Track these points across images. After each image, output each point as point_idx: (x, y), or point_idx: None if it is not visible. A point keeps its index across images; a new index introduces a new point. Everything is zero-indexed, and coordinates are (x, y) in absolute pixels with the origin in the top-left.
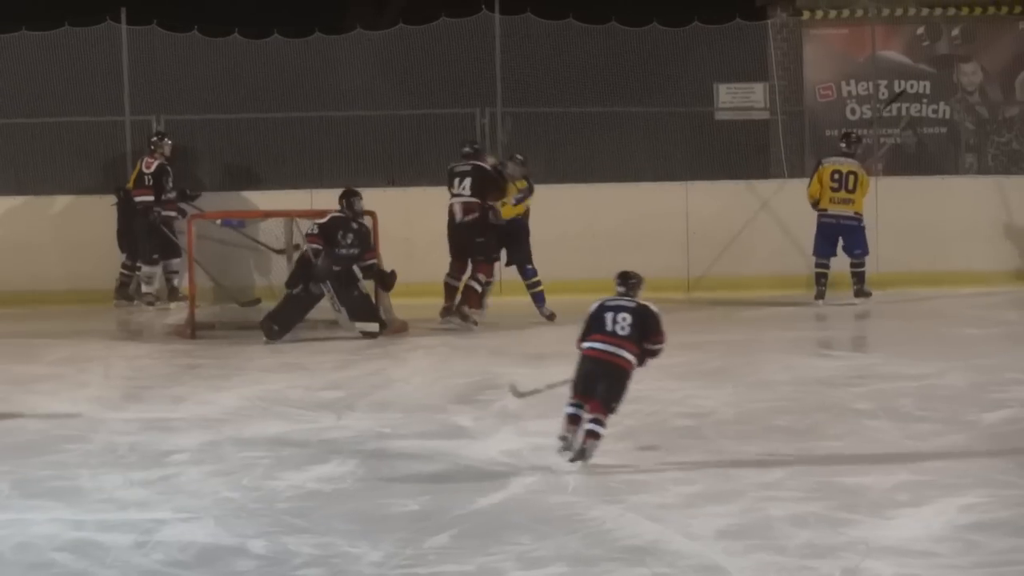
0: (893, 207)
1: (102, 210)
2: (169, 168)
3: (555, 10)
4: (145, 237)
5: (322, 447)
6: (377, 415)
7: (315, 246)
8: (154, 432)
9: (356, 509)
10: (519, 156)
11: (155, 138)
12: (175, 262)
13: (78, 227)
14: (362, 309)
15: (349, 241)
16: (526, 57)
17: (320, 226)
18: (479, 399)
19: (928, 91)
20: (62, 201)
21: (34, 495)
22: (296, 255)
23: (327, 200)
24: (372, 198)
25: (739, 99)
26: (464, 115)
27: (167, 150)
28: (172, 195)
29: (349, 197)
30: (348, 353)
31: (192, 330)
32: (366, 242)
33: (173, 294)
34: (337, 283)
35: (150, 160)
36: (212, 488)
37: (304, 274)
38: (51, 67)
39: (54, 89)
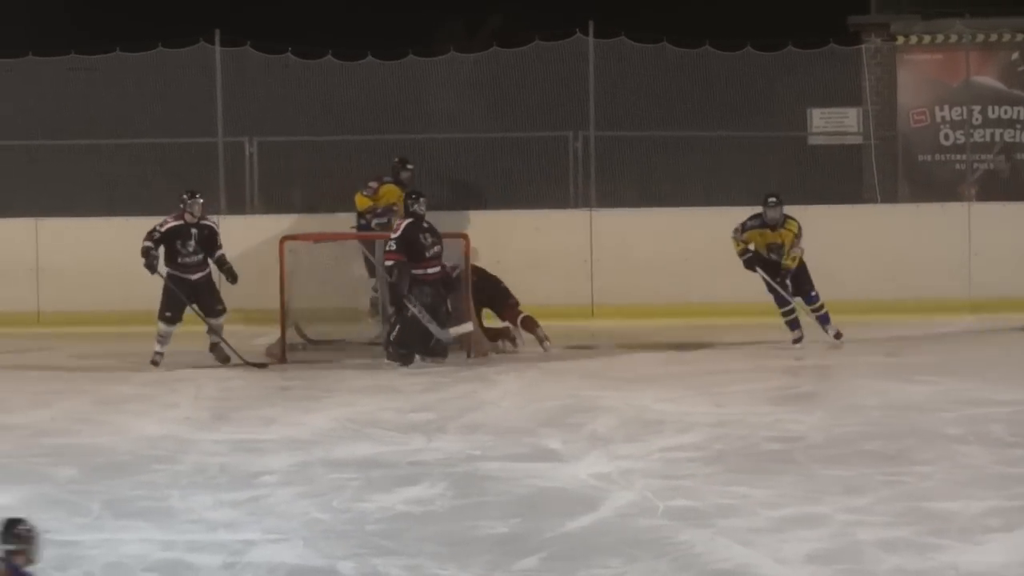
0: (986, 232)
1: None
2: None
3: (649, 34)
4: None
5: (412, 469)
6: (467, 437)
7: (389, 262)
8: (244, 453)
9: (445, 531)
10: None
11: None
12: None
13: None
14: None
15: (429, 241)
16: (619, 81)
17: (397, 239)
18: (569, 422)
19: (1022, 116)
20: (154, 222)
21: (124, 515)
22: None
23: None
24: (463, 221)
25: (832, 124)
26: (556, 139)
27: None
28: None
29: (417, 198)
30: (438, 375)
31: (283, 352)
32: (439, 237)
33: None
34: (429, 292)
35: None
36: (301, 509)
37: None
38: (144, 89)
39: (147, 111)
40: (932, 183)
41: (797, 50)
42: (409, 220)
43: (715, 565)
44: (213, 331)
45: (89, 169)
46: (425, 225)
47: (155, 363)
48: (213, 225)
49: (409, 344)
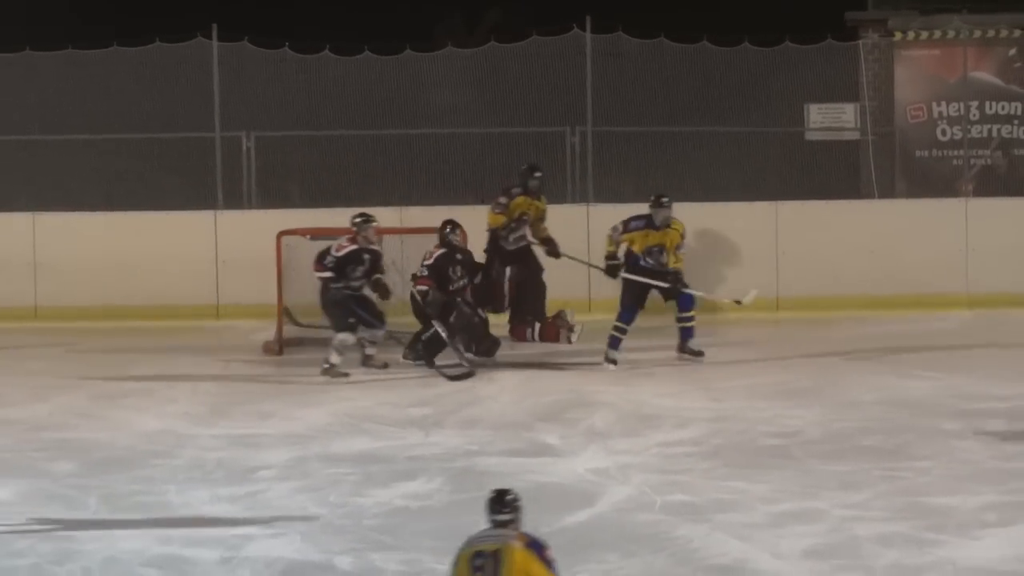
0: (984, 228)
1: (191, 226)
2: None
3: (647, 29)
4: None
5: (409, 464)
6: (465, 432)
7: (422, 288)
8: (241, 448)
9: (443, 526)
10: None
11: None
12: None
13: (168, 243)
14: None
15: (458, 274)
16: (617, 76)
17: (429, 267)
18: (566, 417)
19: (1019, 112)
20: (152, 217)
21: (122, 510)
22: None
23: (416, 217)
24: (462, 215)
25: (830, 119)
26: (554, 134)
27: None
28: None
29: (454, 229)
30: (436, 371)
31: (280, 347)
32: (473, 268)
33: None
34: (466, 312)
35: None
36: (299, 504)
37: (424, 314)
38: (142, 84)
39: (145, 105)
40: (929, 179)
41: (794, 46)
42: (443, 250)
43: (712, 560)
44: (372, 342)
45: (87, 164)
46: (458, 257)
47: (336, 373)
48: (379, 250)
49: (428, 357)
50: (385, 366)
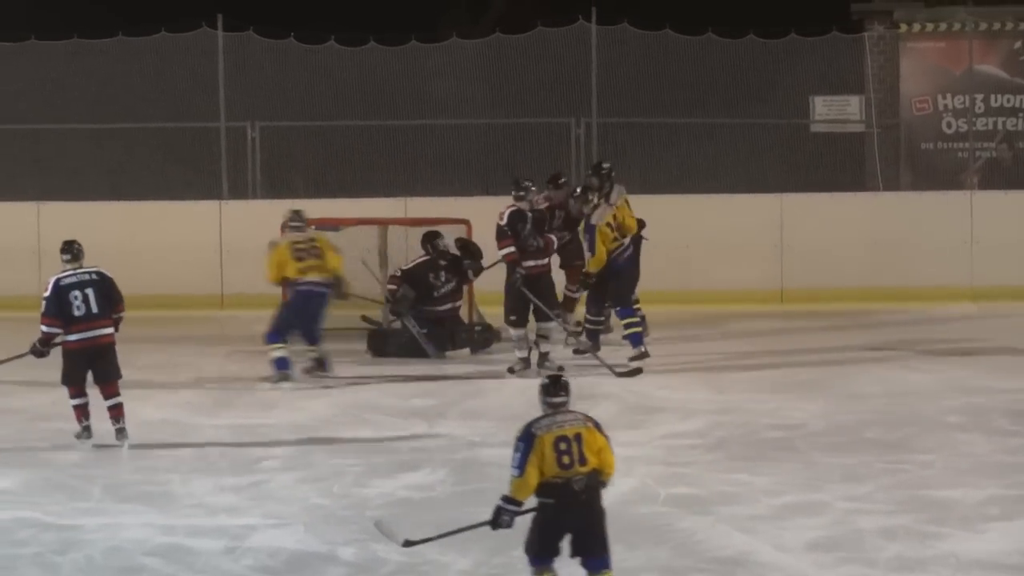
0: (988, 221)
1: (196, 216)
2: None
3: (652, 21)
4: None
5: (413, 455)
6: (468, 424)
7: (391, 286)
8: (245, 438)
9: (445, 517)
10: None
11: None
12: None
13: (172, 232)
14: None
15: (442, 280)
16: (622, 67)
17: (404, 271)
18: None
19: None
20: (156, 206)
21: (125, 499)
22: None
23: (421, 208)
24: (466, 206)
25: (835, 111)
26: (558, 125)
27: None
28: None
29: (432, 240)
30: (439, 362)
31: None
32: (462, 273)
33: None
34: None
35: None
36: (302, 495)
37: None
38: (147, 73)
39: (150, 95)
40: (934, 171)
41: (800, 37)
42: (424, 257)
43: (716, 552)
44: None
45: (92, 153)
46: (442, 263)
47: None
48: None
49: (403, 355)
50: (561, 369)
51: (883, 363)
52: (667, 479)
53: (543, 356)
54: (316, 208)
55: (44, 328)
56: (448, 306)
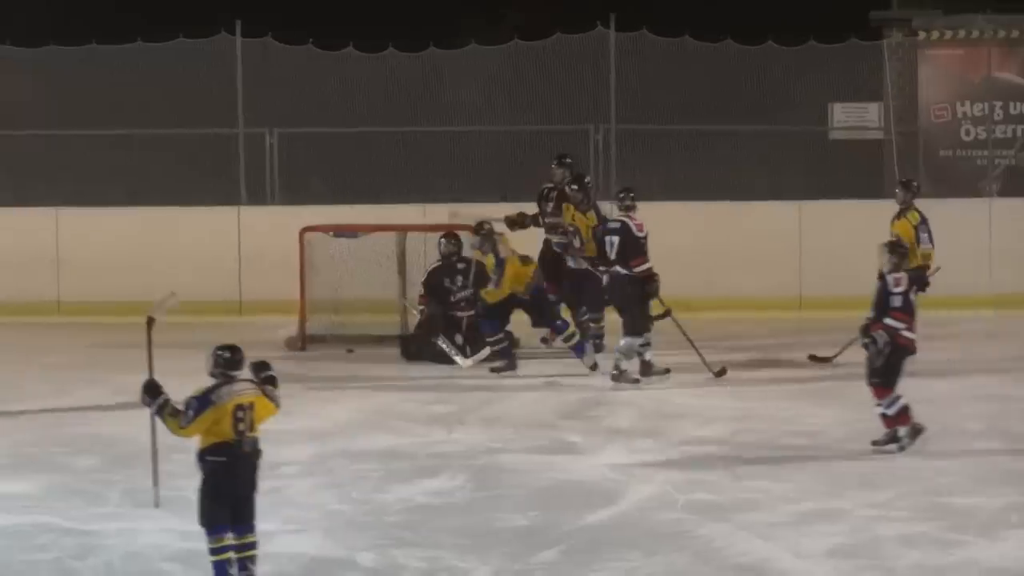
0: (1008, 228)
1: (214, 222)
2: None
3: (670, 28)
4: None
5: (432, 461)
6: (487, 430)
7: (421, 307)
8: (263, 444)
9: (465, 523)
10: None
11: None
12: None
13: (190, 238)
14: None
15: (459, 284)
16: (640, 74)
17: (424, 285)
18: (589, 415)
19: None
20: (174, 212)
21: (144, 505)
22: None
23: (439, 215)
24: (484, 213)
25: (853, 119)
26: (577, 132)
27: None
28: None
29: (448, 239)
30: (459, 368)
31: (303, 343)
32: (481, 275)
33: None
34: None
35: None
36: (321, 500)
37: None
38: (165, 79)
39: (167, 101)
40: (953, 179)
41: (818, 45)
42: (437, 263)
43: (735, 559)
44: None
45: (110, 159)
46: (459, 266)
47: (628, 379)
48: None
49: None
50: (667, 371)
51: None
52: (686, 485)
53: (647, 364)
54: (334, 214)
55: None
56: (465, 310)
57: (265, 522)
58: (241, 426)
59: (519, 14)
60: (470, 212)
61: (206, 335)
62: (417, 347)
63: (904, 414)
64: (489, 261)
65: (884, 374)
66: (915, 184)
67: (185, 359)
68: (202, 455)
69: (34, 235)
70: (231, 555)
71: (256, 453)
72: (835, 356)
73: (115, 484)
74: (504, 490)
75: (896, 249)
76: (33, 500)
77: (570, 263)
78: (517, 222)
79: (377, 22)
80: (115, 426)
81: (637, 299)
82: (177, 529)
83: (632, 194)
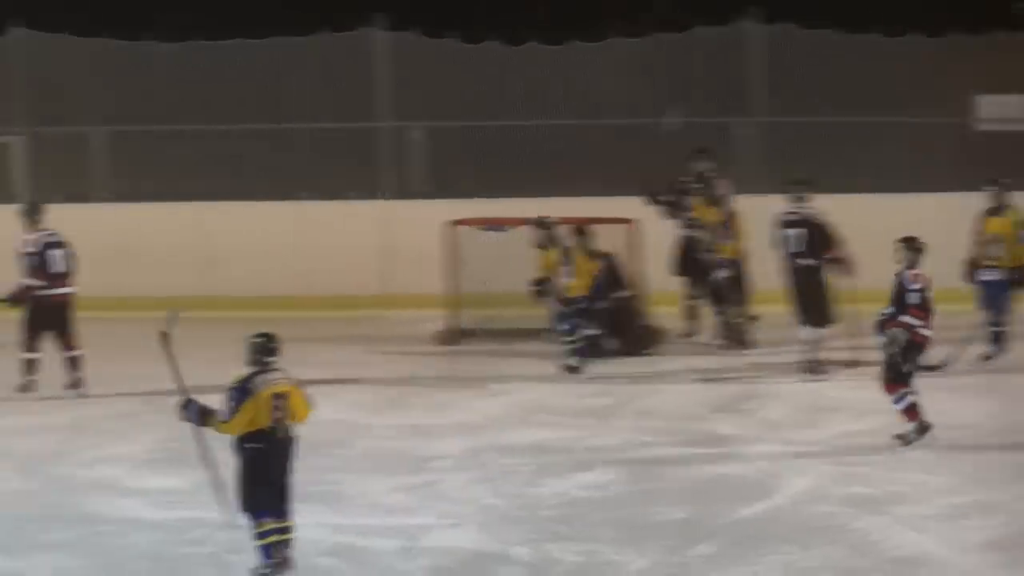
0: None
1: (359, 216)
2: None
3: (816, 20)
4: None
5: (585, 454)
6: (640, 423)
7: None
8: (417, 438)
9: (619, 517)
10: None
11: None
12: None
13: (337, 232)
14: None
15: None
16: (785, 66)
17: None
18: (742, 408)
19: None
20: (321, 206)
21: (298, 499)
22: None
23: (582, 208)
24: (626, 207)
25: (1001, 110)
26: (721, 124)
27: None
28: None
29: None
30: (610, 362)
31: (456, 336)
32: (610, 272)
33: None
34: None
35: None
36: (475, 494)
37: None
38: (305, 73)
39: (314, 95)
40: None
41: (964, 36)
42: (602, 263)
43: (891, 552)
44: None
45: (257, 153)
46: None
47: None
48: None
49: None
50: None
51: None
52: (841, 479)
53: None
54: (478, 208)
55: None
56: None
57: (420, 516)
58: (277, 413)
59: (661, 5)
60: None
61: (353, 329)
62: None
63: (913, 410)
64: (552, 256)
65: (898, 370)
66: (1007, 181)
67: (334, 352)
68: (239, 442)
69: (182, 230)
70: (275, 538)
71: (291, 440)
72: (950, 361)
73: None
74: (658, 484)
75: (912, 245)
76: (188, 495)
77: (704, 256)
78: (662, 200)
79: (519, 15)
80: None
81: (822, 290)
82: (331, 523)
83: (807, 185)
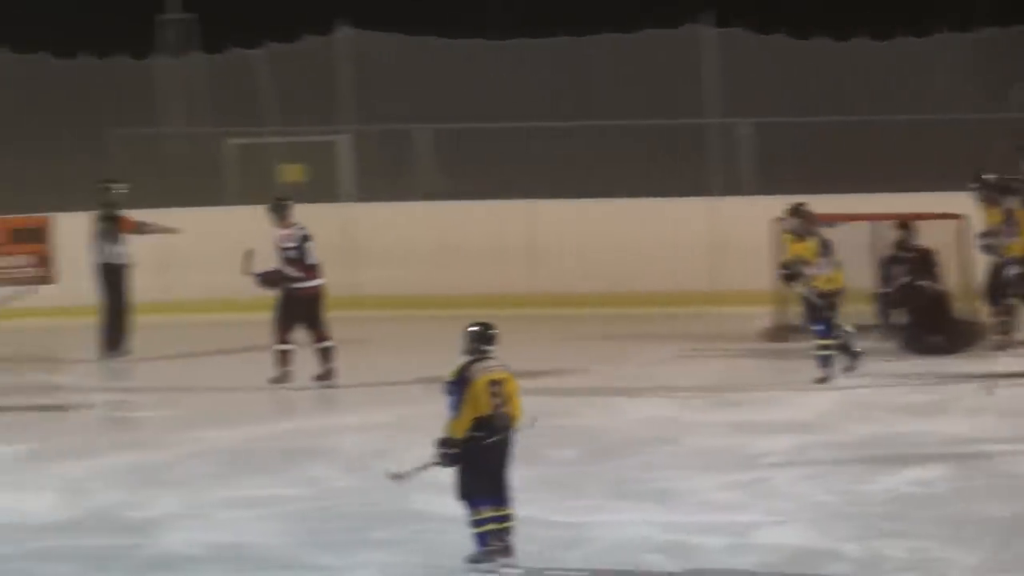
0: None
1: (687, 212)
2: None
3: None
4: None
5: (913, 450)
6: (970, 419)
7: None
8: (745, 435)
9: (949, 513)
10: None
11: None
12: None
13: (663, 229)
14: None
15: (898, 272)
16: None
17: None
18: None
19: None
20: (647, 203)
21: (626, 497)
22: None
23: (909, 204)
24: (954, 202)
25: None
26: None
27: None
28: None
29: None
30: (940, 359)
31: (784, 333)
32: (924, 264)
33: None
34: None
35: None
36: (804, 491)
37: None
38: (631, 70)
39: (633, 92)
40: None
41: None
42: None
43: None
44: None
45: (582, 151)
46: (904, 255)
47: None
48: None
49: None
50: None
51: None
52: None
53: None
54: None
55: None
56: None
57: (749, 513)
58: (495, 400)
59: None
60: (935, 202)
61: (680, 326)
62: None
63: None
64: (810, 247)
65: None
66: None
67: (660, 350)
68: None
69: (508, 227)
70: (492, 527)
71: (509, 427)
72: None
73: (596, 476)
74: (987, 480)
75: None
76: (515, 492)
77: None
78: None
79: (847, 11)
80: (594, 418)
81: None
82: (661, 521)
83: None
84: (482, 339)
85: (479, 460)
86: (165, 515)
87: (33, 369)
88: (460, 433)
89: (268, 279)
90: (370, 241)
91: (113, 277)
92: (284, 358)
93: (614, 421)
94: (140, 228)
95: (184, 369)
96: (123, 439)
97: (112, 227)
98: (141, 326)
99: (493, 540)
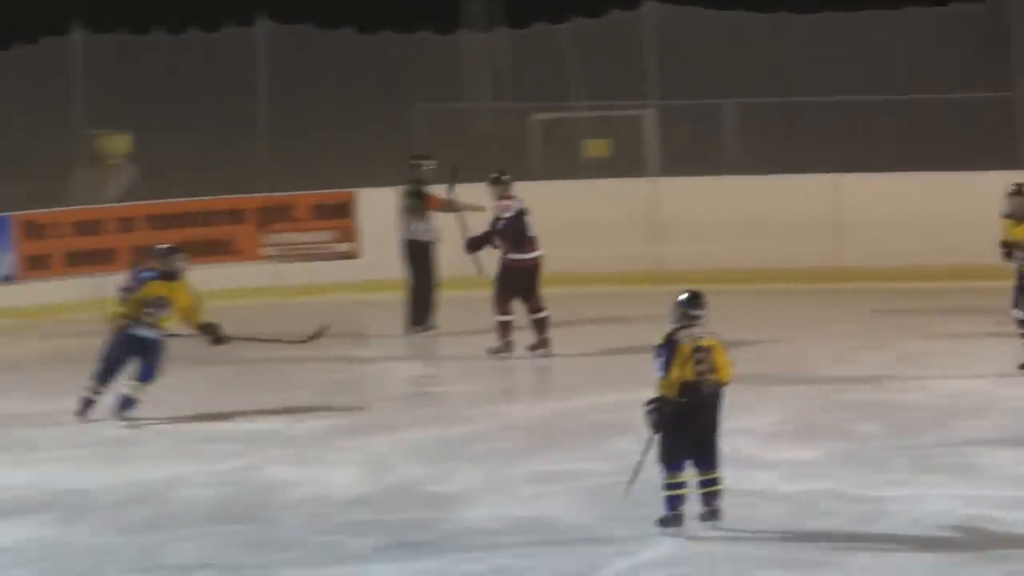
0: None
1: (993, 186)
2: None
3: None
4: None
5: None
6: None
7: None
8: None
9: None
10: None
11: None
12: None
13: (970, 205)
14: None
15: None
16: None
17: None
18: None
19: None
20: (949, 178)
21: (930, 471)
22: None
23: None
24: None
25: None
26: None
27: None
28: None
29: None
30: None
31: None
32: None
33: None
34: None
35: None
36: None
37: None
38: (936, 43)
39: (937, 65)
40: None
41: None
42: None
43: None
44: None
45: (888, 124)
46: None
47: None
48: None
49: None
50: None
51: None
52: None
53: None
54: None
55: None
56: None
57: None
58: (701, 367)
59: None
60: None
61: (987, 301)
62: None
63: None
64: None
65: None
66: None
67: (956, 322)
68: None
69: (814, 201)
70: (684, 491)
71: (716, 394)
72: None
73: (900, 450)
74: None
75: None
76: (819, 467)
77: None
78: None
79: None
80: (899, 392)
81: None
82: (963, 495)
83: None
84: (691, 306)
85: (684, 424)
86: (468, 489)
87: (338, 344)
88: (668, 393)
89: (473, 243)
90: (675, 215)
91: (419, 254)
92: (505, 329)
93: (919, 395)
94: (447, 206)
95: (487, 344)
96: (426, 414)
97: (419, 204)
98: (447, 301)
99: (678, 505)
